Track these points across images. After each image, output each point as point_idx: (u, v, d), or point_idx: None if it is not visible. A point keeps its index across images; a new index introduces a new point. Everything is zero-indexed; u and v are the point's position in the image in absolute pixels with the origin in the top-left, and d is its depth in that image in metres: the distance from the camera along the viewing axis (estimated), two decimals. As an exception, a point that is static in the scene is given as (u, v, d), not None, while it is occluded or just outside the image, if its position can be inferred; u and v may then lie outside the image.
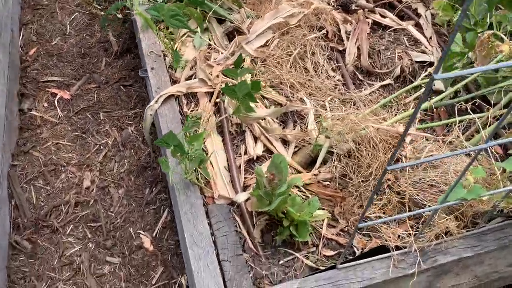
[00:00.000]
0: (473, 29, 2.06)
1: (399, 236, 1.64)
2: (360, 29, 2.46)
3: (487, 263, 1.74)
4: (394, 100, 2.16)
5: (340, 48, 2.41)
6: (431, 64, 2.35)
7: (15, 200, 2.22)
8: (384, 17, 2.60)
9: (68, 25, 3.13)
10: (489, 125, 1.86)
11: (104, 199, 2.26)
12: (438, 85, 2.25)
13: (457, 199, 1.40)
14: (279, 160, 1.63)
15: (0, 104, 2.34)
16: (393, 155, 1.10)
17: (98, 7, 3.08)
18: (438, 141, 1.86)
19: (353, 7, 2.59)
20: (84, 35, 3.08)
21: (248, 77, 2.12)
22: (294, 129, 2.01)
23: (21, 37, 3.03)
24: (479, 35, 1.93)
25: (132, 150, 2.45)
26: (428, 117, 2.12)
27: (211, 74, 2.15)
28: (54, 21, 3.16)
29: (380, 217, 1.71)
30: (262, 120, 2.01)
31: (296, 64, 2.25)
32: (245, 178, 1.87)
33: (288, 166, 1.88)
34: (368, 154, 1.78)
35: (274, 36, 2.31)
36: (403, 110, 2.09)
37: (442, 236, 1.64)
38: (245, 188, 1.81)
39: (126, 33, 3.04)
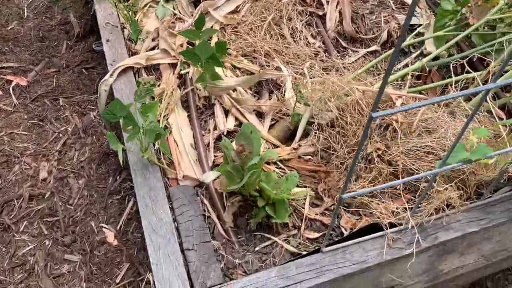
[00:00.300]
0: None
1: (393, 212, 1.41)
2: (341, -9, 2.22)
3: (495, 240, 1.51)
4: (380, 64, 1.93)
5: (320, 13, 2.17)
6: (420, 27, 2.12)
7: (-39, 196, 1.97)
8: (367, -21, 2.37)
9: (25, 8, 2.87)
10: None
11: (62, 191, 2.01)
12: (430, 48, 2.02)
13: (459, 161, 1.17)
14: (249, 130, 1.39)
15: None
16: (377, 101, 0.86)
17: (57, -14, 2.83)
18: (433, 104, 1.63)
19: (333, -30, 2.36)
20: (43, 18, 2.83)
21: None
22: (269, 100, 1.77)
23: (-27, 22, 2.77)
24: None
25: (94, 137, 2.20)
26: (420, 81, 1.89)
27: (175, 44, 1.90)
28: (11, 5, 2.90)
29: (371, 194, 1.48)
30: (233, 91, 1.77)
31: (271, 30, 2.01)
32: (214, 156, 1.63)
33: (264, 141, 1.65)
34: (354, 122, 1.54)
35: (245, 1, 2.07)
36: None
37: (443, 210, 1.41)
38: (214, 167, 1.57)
39: (89, 14, 2.78)
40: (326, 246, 1.33)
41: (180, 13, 2.09)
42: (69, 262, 1.82)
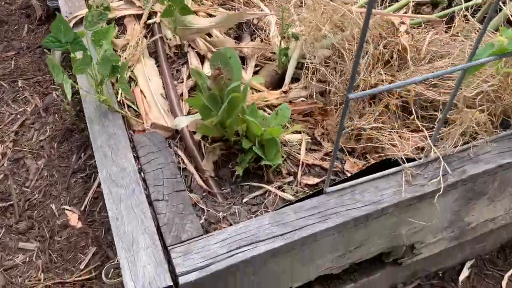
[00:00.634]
0: None
1: (408, 140, 1.15)
2: None
3: (531, 179, 1.25)
4: None
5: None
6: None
7: None
8: None
9: (-17, -5, 2.63)
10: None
11: (17, 173, 1.73)
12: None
13: (492, 54, 0.93)
14: (228, 54, 1.14)
15: None
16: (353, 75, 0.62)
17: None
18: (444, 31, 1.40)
19: None
20: (3, 2, 2.59)
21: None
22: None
23: None
24: None
25: (56, 115, 1.93)
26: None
27: (140, -7, 1.67)
28: (-33, -8, 2.66)
29: (378, 128, 1.22)
30: (208, 37, 1.52)
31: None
32: (190, 107, 1.36)
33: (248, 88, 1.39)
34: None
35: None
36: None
37: (467, 143, 1.16)
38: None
39: (52, -5, 2.55)
40: (331, 185, 1.07)
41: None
42: (24, 251, 1.53)
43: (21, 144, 1.83)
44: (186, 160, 1.21)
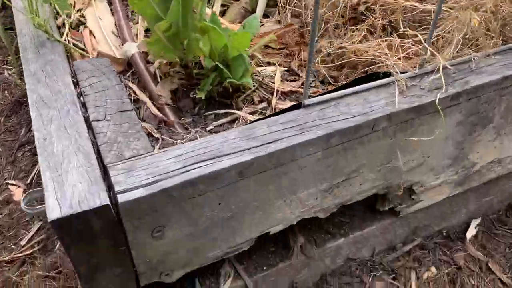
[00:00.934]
0: None
1: (401, 48, 0.98)
2: None
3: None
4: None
5: None
6: None
7: None
8: None
9: None
10: None
11: (-43, 150, 1.51)
12: None
13: None
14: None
15: None
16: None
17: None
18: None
19: None
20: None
21: None
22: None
23: None
24: None
25: (6, 91, 1.73)
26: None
27: None
28: None
29: (362, 41, 1.04)
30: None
31: None
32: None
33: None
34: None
35: None
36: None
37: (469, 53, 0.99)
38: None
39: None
40: (310, 97, 0.88)
41: None
42: (-42, 231, 1.30)
43: (-37, 122, 1.62)
44: (138, 91, 1.01)
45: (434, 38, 0.97)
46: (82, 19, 1.27)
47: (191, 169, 0.75)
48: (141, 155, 0.78)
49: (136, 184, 0.72)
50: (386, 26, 1.09)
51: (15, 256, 1.21)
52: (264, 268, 1.05)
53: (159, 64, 1.06)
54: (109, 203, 0.70)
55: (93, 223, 0.71)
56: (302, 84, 1.07)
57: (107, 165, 0.76)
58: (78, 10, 1.28)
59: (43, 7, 1.06)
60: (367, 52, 0.98)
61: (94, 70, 0.98)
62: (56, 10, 1.24)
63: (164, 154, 0.78)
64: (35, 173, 1.41)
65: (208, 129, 0.94)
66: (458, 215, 1.29)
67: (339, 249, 1.12)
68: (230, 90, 0.98)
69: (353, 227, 1.13)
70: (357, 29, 1.10)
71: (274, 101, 0.99)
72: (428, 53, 0.91)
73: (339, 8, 1.09)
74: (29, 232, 1.27)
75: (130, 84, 1.04)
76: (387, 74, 0.94)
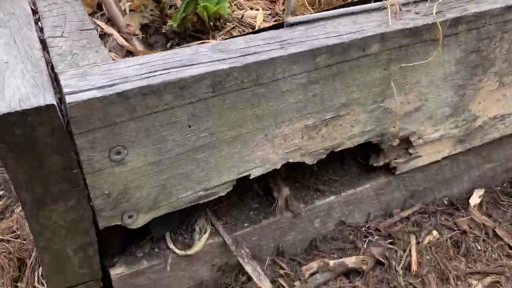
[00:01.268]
0: None
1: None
2: None
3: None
4: None
5: None
6: None
7: None
8: None
9: None
10: None
11: None
12: None
13: None
14: None
15: None
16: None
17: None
18: None
19: None
20: None
21: None
22: None
23: None
24: None
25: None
26: None
27: None
28: None
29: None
30: None
31: None
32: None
33: None
34: None
35: None
36: None
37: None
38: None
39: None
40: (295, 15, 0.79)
41: None
42: None
43: None
44: (105, 26, 0.92)
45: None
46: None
47: (155, 75, 0.65)
48: (98, 63, 0.68)
49: (88, 87, 0.62)
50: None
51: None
52: (245, 224, 0.93)
53: None
54: (55, 104, 0.59)
55: (37, 128, 0.60)
56: (287, 25, 0.98)
57: (57, 72, 0.66)
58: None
59: None
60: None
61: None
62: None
63: (126, 62, 0.68)
64: None
65: (181, 60, 0.84)
66: (460, 183, 1.19)
67: (330, 209, 1.01)
68: (206, 20, 0.89)
69: (345, 185, 1.02)
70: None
71: (255, 35, 0.90)
72: (423, -26, 0.83)
73: None
74: (-13, 201, 1.15)
75: (98, 22, 0.95)
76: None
